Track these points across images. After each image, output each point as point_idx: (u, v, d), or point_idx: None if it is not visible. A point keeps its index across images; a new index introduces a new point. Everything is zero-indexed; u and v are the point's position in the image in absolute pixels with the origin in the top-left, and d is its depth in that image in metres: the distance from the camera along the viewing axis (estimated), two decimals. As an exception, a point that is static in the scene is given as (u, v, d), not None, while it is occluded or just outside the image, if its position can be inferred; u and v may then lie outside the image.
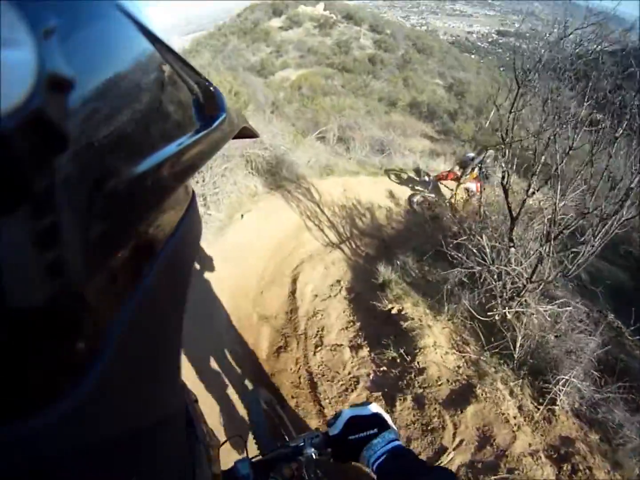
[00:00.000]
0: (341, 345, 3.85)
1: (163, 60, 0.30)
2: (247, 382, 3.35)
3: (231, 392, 3.14)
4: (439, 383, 3.37)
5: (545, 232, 3.71)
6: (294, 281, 4.75)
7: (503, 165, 4.10)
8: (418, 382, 3.37)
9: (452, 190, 7.37)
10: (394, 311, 4.15)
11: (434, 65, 25.85)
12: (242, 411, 2.44)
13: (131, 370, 0.23)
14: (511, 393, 3.34)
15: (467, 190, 7.32)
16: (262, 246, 5.05)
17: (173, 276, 0.29)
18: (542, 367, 3.51)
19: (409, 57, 24.94)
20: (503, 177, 4.08)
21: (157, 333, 0.27)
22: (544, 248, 3.59)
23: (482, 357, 3.53)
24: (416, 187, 7.93)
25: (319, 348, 3.79)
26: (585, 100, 3.52)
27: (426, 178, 8.37)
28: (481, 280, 4.09)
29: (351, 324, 4.17)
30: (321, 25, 27.32)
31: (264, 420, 1.56)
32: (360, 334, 4.01)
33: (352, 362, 3.67)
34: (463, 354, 3.60)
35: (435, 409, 3.22)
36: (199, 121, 0.35)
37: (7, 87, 0.14)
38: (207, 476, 0.49)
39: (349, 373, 3.56)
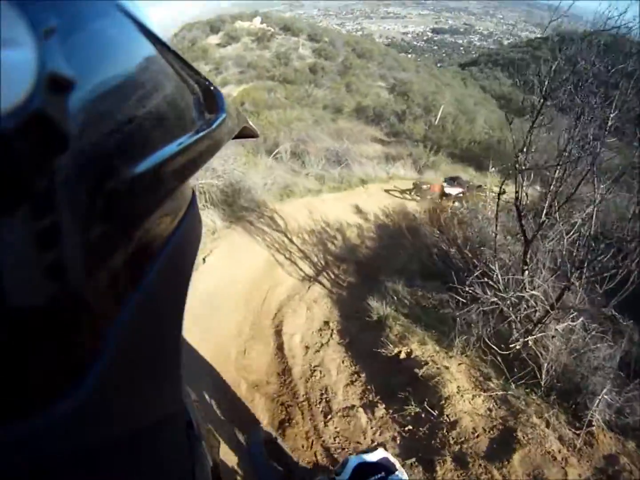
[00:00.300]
0: (353, 407, 3.37)
1: (163, 60, 0.30)
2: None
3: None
4: (476, 434, 3.00)
5: (574, 258, 3.42)
6: (278, 333, 4.22)
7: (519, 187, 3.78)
8: (453, 438, 2.96)
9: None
10: (402, 356, 3.72)
11: (374, 68, 26.56)
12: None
13: (131, 370, 0.23)
14: (548, 425, 3.08)
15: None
16: (234, 292, 4.48)
17: (173, 276, 0.29)
18: (571, 389, 3.34)
19: (349, 63, 25.49)
20: (517, 199, 3.78)
21: (158, 333, 0.27)
22: (574, 275, 3.30)
23: (509, 392, 3.26)
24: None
25: (329, 416, 3.27)
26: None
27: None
28: (492, 308, 3.78)
29: (356, 376, 3.71)
30: (259, 38, 27.69)
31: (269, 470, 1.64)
32: (369, 387, 3.55)
33: (371, 427, 3.20)
34: (489, 393, 3.27)
35: (480, 464, 2.83)
36: (200, 121, 0.35)
37: (7, 87, 0.14)
38: (207, 476, 0.50)
39: (372, 441, 3.09)
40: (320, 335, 4.29)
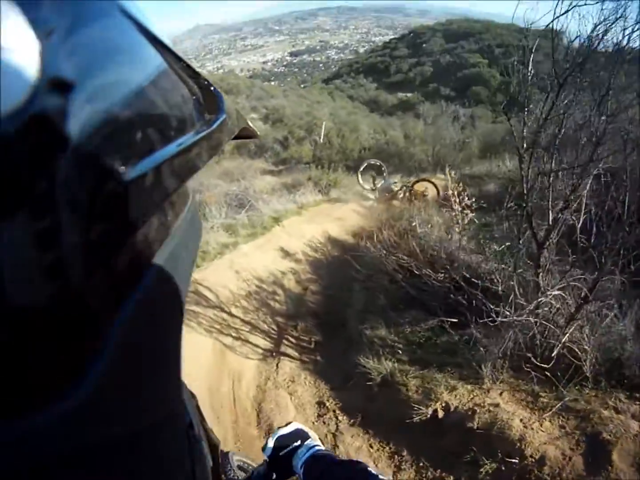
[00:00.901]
0: None
1: (163, 61, 0.31)
2: None
3: None
4: (567, 458, 2.60)
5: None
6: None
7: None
8: (548, 475, 2.53)
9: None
10: (439, 414, 3.15)
11: (243, 102, 26.73)
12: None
13: (131, 370, 0.24)
14: (617, 411, 2.83)
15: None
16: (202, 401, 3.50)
17: (173, 276, 0.29)
18: (613, 367, 3.17)
19: None
20: (526, 203, 3.43)
21: (158, 333, 0.28)
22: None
23: (565, 400, 2.94)
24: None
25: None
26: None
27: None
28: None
29: (398, 458, 3.04)
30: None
31: None
32: (422, 464, 2.93)
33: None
34: (550, 410, 2.90)
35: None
36: (199, 122, 0.36)
37: (7, 88, 0.15)
38: (207, 476, 0.52)
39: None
40: (324, 422, 3.54)
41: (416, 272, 4.72)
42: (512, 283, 3.55)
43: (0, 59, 0.15)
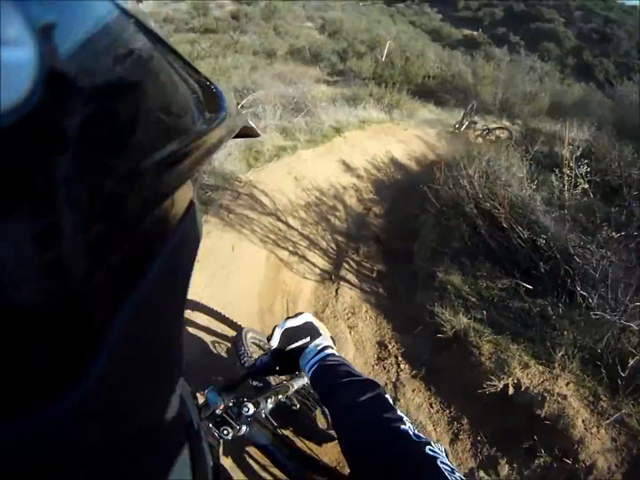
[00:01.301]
0: (472, 470, 2.57)
1: (163, 59, 0.31)
2: None
3: None
4: (611, 473, 2.45)
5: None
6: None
7: None
8: None
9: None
10: (510, 391, 2.81)
11: (300, 10, 26.10)
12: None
13: (132, 370, 0.24)
14: None
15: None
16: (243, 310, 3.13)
17: (173, 276, 0.30)
18: None
19: (272, 6, 24.44)
20: None
21: (158, 333, 0.28)
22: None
23: (622, 411, 2.67)
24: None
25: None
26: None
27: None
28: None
29: (457, 425, 2.77)
30: (171, -9, 27.44)
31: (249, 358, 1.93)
32: (480, 438, 2.69)
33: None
34: (607, 418, 2.66)
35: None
36: (199, 120, 0.34)
37: (6, 85, 0.15)
38: (207, 476, 0.51)
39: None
40: (384, 367, 3.13)
41: (503, 223, 4.08)
42: (610, 273, 3.12)
43: (0, 57, 0.15)
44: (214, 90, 0.41)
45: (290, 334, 0.93)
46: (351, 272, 4.06)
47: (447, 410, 2.84)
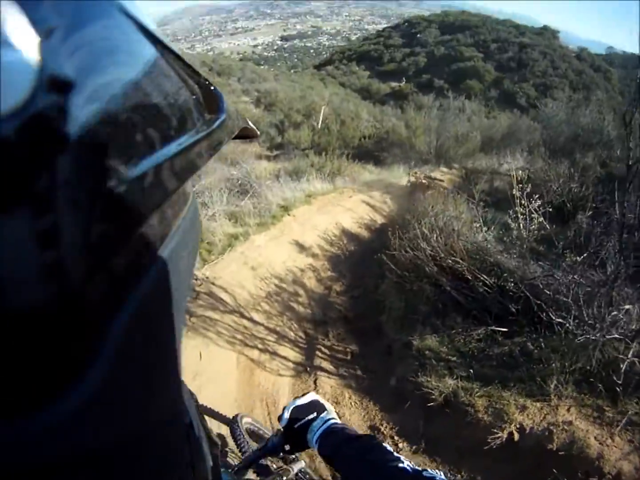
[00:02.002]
0: None
1: (164, 61, 0.31)
2: None
3: None
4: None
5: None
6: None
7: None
8: None
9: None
10: (515, 437, 2.84)
11: (235, 84, 26.83)
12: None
13: (132, 371, 0.24)
14: None
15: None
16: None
17: (173, 276, 0.29)
18: None
19: None
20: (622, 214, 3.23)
21: (158, 333, 0.28)
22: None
23: (629, 414, 2.80)
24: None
25: None
26: None
27: None
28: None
29: None
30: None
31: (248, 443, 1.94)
32: None
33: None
34: (617, 425, 2.75)
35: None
36: (199, 121, 0.36)
37: (7, 87, 0.15)
38: (207, 477, 0.52)
39: None
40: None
41: (466, 275, 4.24)
42: (580, 294, 3.34)
43: (0, 58, 0.15)
44: (214, 91, 0.43)
45: (298, 413, 1.00)
46: (325, 359, 4.04)
47: (459, 475, 2.83)
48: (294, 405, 1.02)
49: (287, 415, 1.00)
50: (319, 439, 0.94)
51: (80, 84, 0.19)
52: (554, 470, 2.58)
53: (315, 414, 1.00)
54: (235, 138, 0.49)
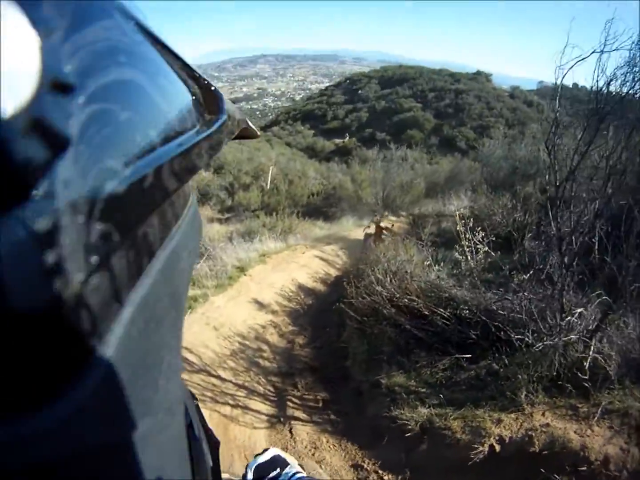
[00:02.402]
0: None
1: (164, 61, 0.32)
2: None
3: None
4: (627, 450, 2.76)
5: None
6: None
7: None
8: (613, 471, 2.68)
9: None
10: (497, 448, 3.04)
11: None
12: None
13: (131, 371, 0.24)
14: None
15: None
16: None
17: (173, 276, 0.30)
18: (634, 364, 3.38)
19: None
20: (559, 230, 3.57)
21: (158, 333, 0.28)
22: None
23: (603, 404, 3.08)
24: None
25: None
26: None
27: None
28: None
29: None
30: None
31: None
32: None
33: None
34: (594, 418, 3.00)
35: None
36: (199, 122, 0.36)
37: (8, 89, 0.15)
38: (207, 477, 0.53)
39: None
40: None
41: (424, 311, 4.52)
42: (532, 308, 3.66)
43: (0, 60, 0.15)
44: (214, 92, 0.43)
45: (262, 471, 0.98)
46: (297, 408, 4.14)
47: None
48: (256, 464, 1.00)
49: (250, 475, 0.98)
50: None
51: (81, 85, 0.19)
52: (542, 470, 2.77)
53: (278, 470, 0.98)
54: (235, 138, 0.51)
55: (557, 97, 3.54)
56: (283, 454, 1.03)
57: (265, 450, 1.04)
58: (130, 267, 0.23)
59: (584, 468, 2.72)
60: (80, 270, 0.19)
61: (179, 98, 0.34)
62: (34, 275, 0.16)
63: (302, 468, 1.01)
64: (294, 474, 0.94)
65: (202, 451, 0.53)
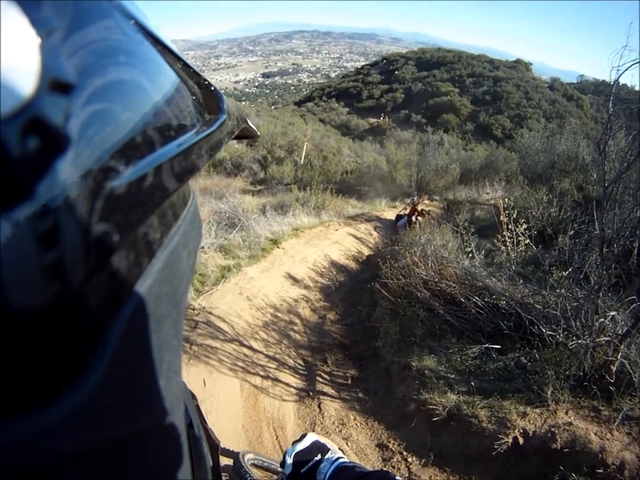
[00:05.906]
0: None
1: (163, 61, 0.32)
2: None
3: None
4: None
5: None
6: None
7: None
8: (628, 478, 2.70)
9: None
10: (520, 441, 3.05)
11: None
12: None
13: (131, 370, 0.24)
14: None
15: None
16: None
17: (174, 275, 0.30)
18: None
19: None
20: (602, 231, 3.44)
21: (157, 333, 0.28)
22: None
23: (624, 411, 3.05)
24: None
25: None
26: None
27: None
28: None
29: None
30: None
31: None
32: None
33: None
34: (614, 422, 2.99)
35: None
36: (199, 122, 0.36)
37: (7, 89, 0.15)
38: (207, 476, 0.53)
39: None
40: (392, 466, 3.24)
41: (459, 298, 4.47)
42: (568, 307, 3.62)
43: (0, 60, 0.15)
44: (214, 92, 0.44)
45: (302, 457, 0.98)
46: (326, 384, 4.14)
47: (470, 480, 2.97)
48: (296, 450, 1.00)
49: (290, 460, 0.98)
50: (330, 479, 0.92)
51: (81, 85, 0.19)
52: (561, 467, 2.81)
53: (320, 456, 0.98)
54: (235, 138, 0.51)
55: (612, 98, 3.37)
56: (322, 439, 1.03)
57: (303, 436, 1.03)
58: (130, 267, 0.23)
59: (600, 470, 2.74)
60: (80, 270, 0.19)
61: (178, 98, 0.33)
62: (34, 275, 0.16)
63: (343, 452, 1.01)
64: (337, 459, 0.95)
65: (202, 451, 0.54)
